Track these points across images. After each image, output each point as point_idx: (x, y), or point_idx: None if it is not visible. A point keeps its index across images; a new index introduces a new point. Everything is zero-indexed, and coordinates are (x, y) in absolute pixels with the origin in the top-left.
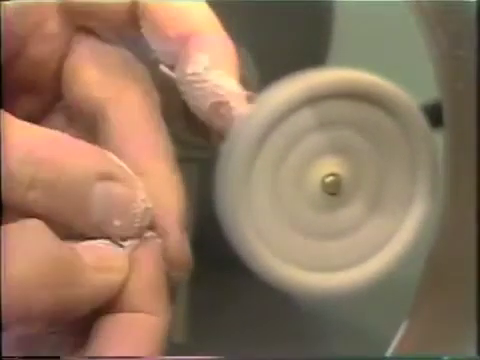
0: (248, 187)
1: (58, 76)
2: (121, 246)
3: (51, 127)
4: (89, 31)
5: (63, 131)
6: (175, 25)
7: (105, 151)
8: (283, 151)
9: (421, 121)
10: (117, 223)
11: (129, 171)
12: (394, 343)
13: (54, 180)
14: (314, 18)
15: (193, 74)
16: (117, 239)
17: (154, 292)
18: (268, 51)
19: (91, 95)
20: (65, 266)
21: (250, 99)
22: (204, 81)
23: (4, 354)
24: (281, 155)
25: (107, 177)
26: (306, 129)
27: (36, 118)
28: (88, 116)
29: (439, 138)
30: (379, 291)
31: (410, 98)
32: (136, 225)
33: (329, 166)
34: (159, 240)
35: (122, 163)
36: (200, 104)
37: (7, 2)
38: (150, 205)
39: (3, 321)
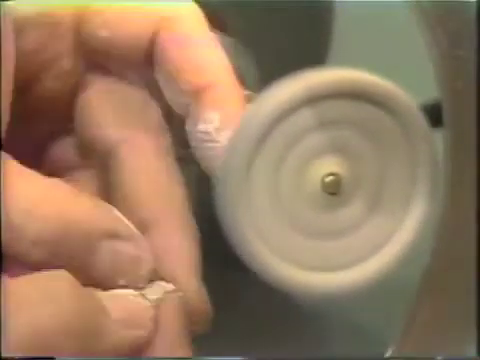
0: (248, 187)
1: (68, 107)
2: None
3: (58, 152)
4: (105, 68)
5: (69, 158)
6: (190, 79)
7: (111, 207)
8: (283, 151)
9: (421, 121)
10: (121, 282)
11: (135, 230)
12: (394, 343)
13: (59, 237)
14: (314, 18)
15: (203, 132)
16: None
17: (177, 348)
18: (268, 51)
19: (105, 135)
20: (91, 317)
21: (250, 99)
22: (214, 141)
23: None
24: (281, 155)
25: (114, 235)
26: (306, 129)
27: (43, 143)
28: (100, 153)
29: (439, 138)
30: (379, 291)
31: (410, 98)
32: (140, 285)
33: (329, 166)
34: (180, 293)
35: (127, 221)
36: (208, 163)
37: (7, 2)
38: (154, 266)
39: None
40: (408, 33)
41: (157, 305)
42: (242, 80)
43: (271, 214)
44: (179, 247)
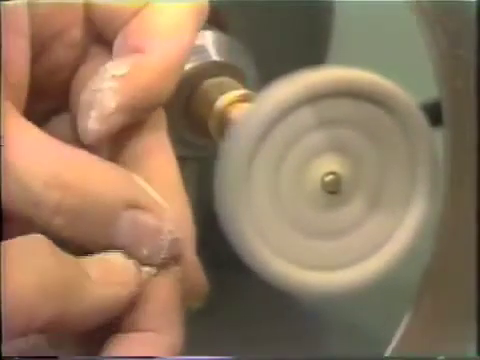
0: (248, 186)
1: (70, 81)
2: (140, 271)
3: (55, 127)
4: (107, 43)
5: (66, 135)
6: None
7: (134, 175)
8: (283, 150)
9: (421, 120)
10: (144, 252)
11: (157, 198)
12: (394, 342)
13: (80, 207)
14: (314, 17)
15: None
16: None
17: (169, 316)
18: (268, 50)
19: None
20: (68, 279)
21: (250, 98)
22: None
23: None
24: (281, 154)
25: (135, 205)
26: (306, 128)
27: (40, 121)
28: None
29: (439, 137)
30: (379, 290)
31: (410, 97)
32: (162, 256)
33: (329, 165)
34: (177, 267)
35: (150, 188)
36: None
37: (7, 2)
38: (178, 236)
39: (4, 331)
40: (408, 32)
41: (152, 276)
42: (242, 79)
43: (271, 213)
44: (179, 222)
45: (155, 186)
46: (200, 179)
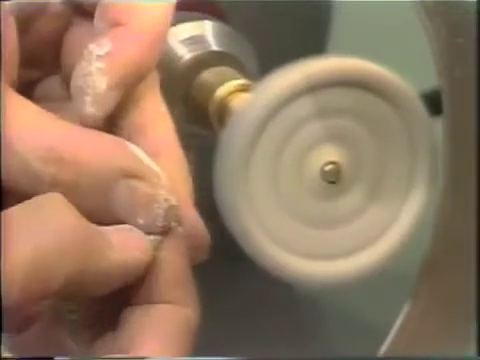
0: (247, 175)
1: (57, 50)
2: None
3: (46, 88)
4: (90, 13)
5: (57, 93)
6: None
7: (127, 143)
8: (282, 139)
9: (420, 109)
10: (141, 221)
11: (152, 165)
12: (392, 333)
13: (76, 180)
14: (314, 7)
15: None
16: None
17: (182, 284)
18: (268, 40)
19: None
20: (87, 239)
21: (249, 88)
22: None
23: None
24: (280, 143)
25: (130, 175)
26: (305, 117)
27: (31, 86)
28: None
29: (438, 126)
30: (377, 279)
31: (409, 86)
32: (159, 224)
33: (328, 154)
34: (180, 229)
35: (143, 154)
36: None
37: (7, 2)
38: (174, 202)
39: (16, 296)
40: (407, 21)
41: (158, 244)
42: (241, 69)
43: (271, 202)
44: (177, 179)
45: (146, 140)
46: (199, 169)
